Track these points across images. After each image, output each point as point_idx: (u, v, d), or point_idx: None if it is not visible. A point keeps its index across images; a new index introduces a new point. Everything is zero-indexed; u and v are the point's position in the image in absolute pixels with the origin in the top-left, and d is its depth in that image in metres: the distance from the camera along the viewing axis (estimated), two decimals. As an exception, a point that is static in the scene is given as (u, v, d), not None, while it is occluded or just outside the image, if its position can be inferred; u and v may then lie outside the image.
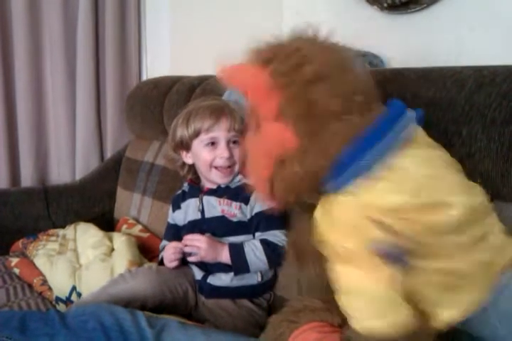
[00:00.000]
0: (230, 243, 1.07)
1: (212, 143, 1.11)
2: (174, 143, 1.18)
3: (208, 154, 1.11)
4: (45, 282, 1.21)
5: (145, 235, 1.50)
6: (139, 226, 1.55)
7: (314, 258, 0.78)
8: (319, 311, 0.73)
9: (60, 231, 1.48)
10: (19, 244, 1.44)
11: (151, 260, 1.33)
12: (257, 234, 1.08)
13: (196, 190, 1.19)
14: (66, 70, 1.80)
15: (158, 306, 1.05)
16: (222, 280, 1.08)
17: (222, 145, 1.10)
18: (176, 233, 1.21)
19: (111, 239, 1.38)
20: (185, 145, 1.16)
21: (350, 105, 0.70)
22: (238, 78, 0.75)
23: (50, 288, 1.20)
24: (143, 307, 1.01)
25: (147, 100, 1.64)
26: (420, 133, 0.73)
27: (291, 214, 1.09)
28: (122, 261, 1.22)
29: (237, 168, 1.12)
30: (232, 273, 1.07)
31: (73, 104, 1.84)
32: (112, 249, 1.33)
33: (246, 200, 1.10)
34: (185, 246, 1.09)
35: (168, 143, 1.23)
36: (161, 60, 1.98)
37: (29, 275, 1.26)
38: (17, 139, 1.80)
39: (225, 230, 1.10)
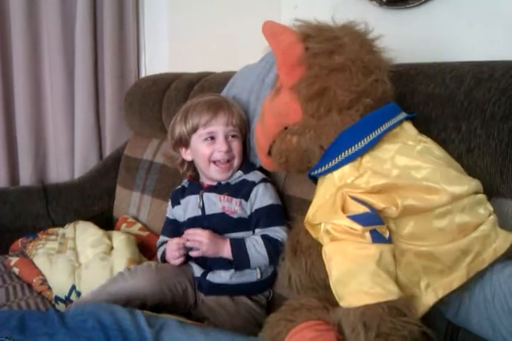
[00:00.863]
0: (232, 238, 1.07)
1: (211, 138, 1.12)
2: (174, 140, 1.18)
3: (206, 148, 1.12)
4: (44, 281, 1.21)
5: (144, 234, 1.50)
6: (139, 225, 1.54)
7: (307, 252, 0.84)
8: (316, 309, 0.73)
9: (60, 230, 1.48)
10: (18, 243, 1.44)
11: (150, 258, 1.33)
12: (258, 230, 1.08)
13: (196, 186, 1.19)
14: (64, 68, 1.80)
15: (158, 304, 1.05)
16: (221, 277, 1.08)
17: (220, 139, 1.11)
18: (175, 229, 1.22)
19: (110, 238, 1.38)
20: (184, 141, 1.16)
21: (356, 103, 0.77)
22: (277, 38, 0.80)
23: (49, 288, 1.20)
24: (142, 306, 1.01)
25: (146, 97, 1.63)
26: (409, 129, 0.80)
27: (291, 211, 1.10)
28: (122, 259, 1.22)
29: (236, 162, 1.13)
30: (232, 271, 1.07)
31: (72, 102, 1.83)
32: (112, 248, 1.32)
33: (246, 197, 1.10)
34: (187, 240, 1.08)
35: (168, 142, 1.23)
36: (160, 57, 1.98)
37: (28, 274, 1.26)
38: (16, 138, 1.79)
39: (225, 227, 1.10)
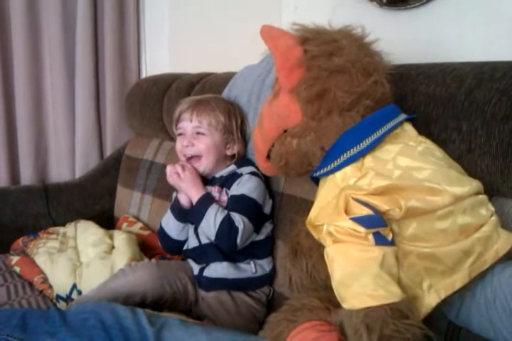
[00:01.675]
0: (207, 193, 1.13)
1: (180, 134, 1.20)
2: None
3: (178, 143, 1.20)
4: (45, 280, 1.21)
5: (145, 233, 1.50)
6: (140, 224, 1.55)
7: (307, 254, 0.85)
8: (317, 310, 0.73)
9: (61, 229, 1.48)
10: (19, 242, 1.44)
11: (151, 258, 1.33)
12: None
13: None
14: (65, 68, 1.80)
15: (158, 300, 1.05)
16: (218, 271, 1.09)
17: (187, 134, 1.18)
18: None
19: (111, 237, 1.38)
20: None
21: (356, 105, 0.77)
22: (276, 41, 0.81)
23: (50, 286, 1.20)
24: (143, 301, 1.03)
25: (146, 98, 1.63)
26: (409, 130, 0.80)
27: (291, 211, 1.10)
28: (122, 258, 1.22)
29: (204, 160, 1.16)
30: (225, 263, 1.09)
31: (72, 102, 1.84)
32: (113, 247, 1.33)
33: (231, 185, 1.13)
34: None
35: None
36: (160, 58, 1.98)
37: (30, 273, 1.26)
38: (17, 138, 1.80)
39: None
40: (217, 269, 1.09)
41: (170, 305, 1.07)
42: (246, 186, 1.11)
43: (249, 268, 1.09)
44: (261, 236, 1.12)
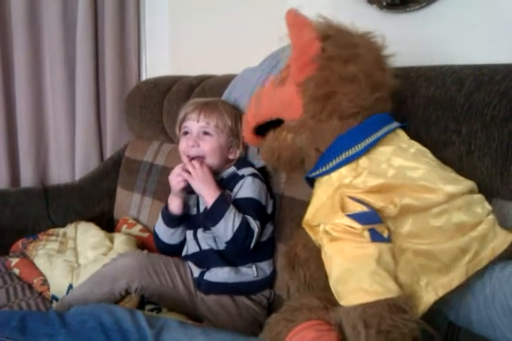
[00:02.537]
0: (223, 193, 1.08)
1: (186, 133, 1.17)
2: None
3: (182, 142, 1.17)
4: (45, 282, 1.21)
5: (145, 235, 1.50)
6: (139, 226, 1.55)
7: (305, 265, 0.85)
8: (316, 309, 0.74)
9: (61, 230, 1.49)
10: (19, 244, 1.44)
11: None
12: None
13: None
14: (65, 70, 1.81)
15: (145, 289, 1.06)
16: (218, 276, 1.09)
17: (193, 134, 1.15)
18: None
19: (111, 240, 1.38)
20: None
21: (357, 115, 0.78)
22: (299, 31, 0.79)
23: (49, 288, 1.20)
24: (129, 287, 1.04)
25: (146, 100, 1.64)
26: (402, 135, 0.81)
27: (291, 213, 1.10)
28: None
29: (208, 160, 1.14)
30: (227, 268, 1.08)
31: (73, 104, 1.84)
32: (112, 250, 1.32)
33: (232, 187, 1.12)
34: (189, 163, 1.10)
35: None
36: (161, 60, 1.98)
37: (29, 275, 1.26)
38: (17, 140, 1.80)
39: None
40: (218, 274, 1.09)
41: (159, 299, 1.08)
42: (251, 188, 1.10)
43: (251, 272, 1.09)
44: (263, 238, 1.11)
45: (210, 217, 1.06)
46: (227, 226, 1.03)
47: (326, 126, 0.78)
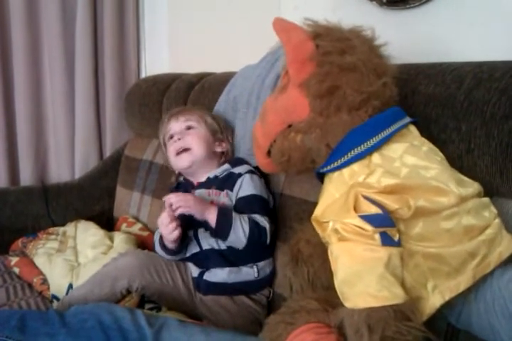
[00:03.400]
0: (219, 207, 1.06)
1: (171, 137, 1.22)
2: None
3: (170, 149, 1.21)
4: (45, 281, 1.21)
5: (145, 233, 1.49)
6: (139, 225, 1.54)
7: (308, 262, 0.85)
8: (315, 312, 0.73)
9: (60, 229, 1.49)
10: (19, 243, 1.44)
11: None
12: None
13: (189, 185, 1.22)
14: (65, 68, 1.80)
15: (146, 289, 1.05)
16: (218, 276, 1.08)
17: (177, 131, 1.21)
18: None
19: (111, 239, 1.38)
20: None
21: (365, 105, 0.77)
22: (288, 34, 0.80)
23: (49, 287, 1.20)
24: (130, 286, 1.04)
25: (146, 98, 1.63)
26: (414, 131, 0.80)
27: (291, 211, 1.10)
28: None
29: (195, 152, 1.17)
30: (227, 269, 1.08)
31: (72, 102, 1.84)
32: (112, 248, 1.32)
33: (231, 187, 1.12)
34: (171, 206, 1.05)
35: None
36: (160, 58, 1.98)
37: (29, 274, 1.26)
38: (16, 138, 1.80)
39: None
40: (218, 274, 1.09)
41: (159, 298, 1.08)
42: (252, 185, 1.10)
43: (252, 272, 1.09)
44: None
45: (220, 233, 1.05)
46: (239, 234, 1.03)
47: (336, 120, 0.77)
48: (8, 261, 1.34)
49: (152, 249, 1.22)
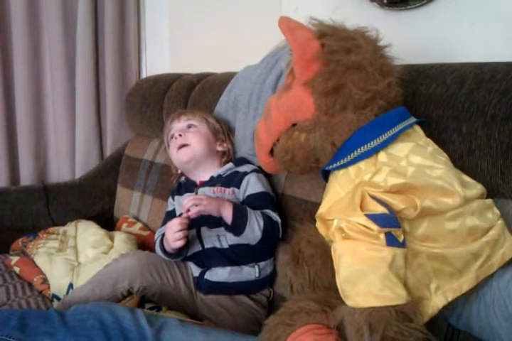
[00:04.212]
0: (233, 202, 1.06)
1: (171, 137, 1.23)
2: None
3: (172, 150, 1.22)
4: (45, 281, 1.21)
5: (145, 233, 1.50)
6: (139, 225, 1.55)
7: (310, 262, 0.84)
8: (314, 313, 0.73)
9: (61, 229, 1.49)
10: (19, 242, 1.44)
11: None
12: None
13: (191, 184, 1.22)
14: (66, 68, 1.80)
15: (147, 290, 1.05)
16: (219, 275, 1.08)
17: (178, 129, 1.23)
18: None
19: (112, 238, 1.38)
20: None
21: (371, 104, 0.77)
22: (294, 33, 0.80)
23: (50, 287, 1.20)
24: (131, 287, 1.04)
25: (146, 98, 1.64)
26: (419, 131, 0.80)
27: (291, 211, 1.10)
28: (120, 257, 1.22)
29: (195, 148, 1.18)
30: (228, 268, 1.08)
31: (73, 102, 1.84)
32: (112, 248, 1.32)
33: (238, 184, 1.13)
34: (187, 211, 1.04)
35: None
36: (161, 58, 1.98)
37: (29, 273, 1.25)
38: (17, 138, 1.79)
39: (221, 218, 1.09)
40: (219, 273, 1.09)
41: (160, 299, 1.07)
42: (260, 183, 1.12)
43: (253, 272, 1.08)
44: None
45: (235, 228, 1.04)
46: (254, 228, 1.03)
47: (341, 119, 0.77)
48: (8, 260, 1.34)
49: (152, 248, 1.22)
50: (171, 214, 1.25)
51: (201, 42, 1.78)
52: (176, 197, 1.24)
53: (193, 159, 1.18)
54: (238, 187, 1.13)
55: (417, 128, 0.81)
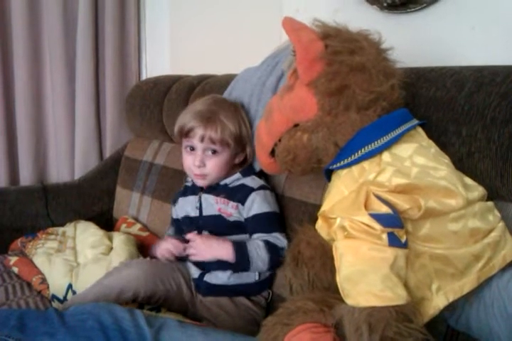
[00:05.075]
0: (233, 240, 1.06)
1: (191, 148, 1.13)
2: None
3: (186, 158, 1.14)
4: (44, 281, 1.21)
5: (144, 234, 1.50)
6: (138, 225, 1.55)
7: (309, 263, 0.84)
8: (312, 312, 0.73)
9: (60, 229, 1.49)
10: (18, 242, 1.44)
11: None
12: (257, 235, 1.07)
13: (196, 188, 1.20)
14: (66, 69, 1.80)
15: (151, 298, 1.05)
16: (218, 278, 1.09)
17: (197, 153, 1.11)
18: (177, 226, 1.25)
19: (111, 239, 1.38)
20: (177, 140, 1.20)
21: (374, 105, 0.77)
22: (298, 34, 0.80)
23: (48, 287, 1.20)
24: (135, 298, 1.03)
25: (146, 99, 1.64)
26: (422, 132, 0.81)
27: (291, 213, 1.10)
28: (119, 259, 1.22)
29: (211, 177, 1.13)
30: (229, 271, 1.08)
31: (72, 103, 1.84)
32: (111, 249, 1.32)
33: (243, 201, 1.10)
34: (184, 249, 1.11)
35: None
36: (161, 59, 1.98)
37: (28, 274, 1.26)
38: (16, 138, 1.80)
39: (221, 229, 1.11)
40: (219, 276, 1.09)
41: (163, 303, 1.07)
42: (266, 202, 1.08)
43: (253, 275, 1.08)
44: None
45: (241, 268, 1.05)
46: (258, 264, 1.03)
47: (345, 119, 0.77)
48: (7, 260, 1.34)
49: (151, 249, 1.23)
50: (175, 222, 1.27)
51: (201, 44, 1.78)
52: (180, 198, 1.23)
53: (211, 183, 1.15)
54: (243, 204, 1.09)
55: (420, 130, 0.81)
